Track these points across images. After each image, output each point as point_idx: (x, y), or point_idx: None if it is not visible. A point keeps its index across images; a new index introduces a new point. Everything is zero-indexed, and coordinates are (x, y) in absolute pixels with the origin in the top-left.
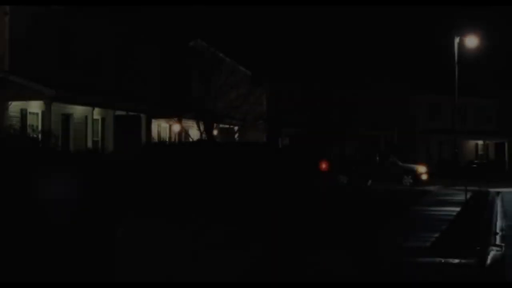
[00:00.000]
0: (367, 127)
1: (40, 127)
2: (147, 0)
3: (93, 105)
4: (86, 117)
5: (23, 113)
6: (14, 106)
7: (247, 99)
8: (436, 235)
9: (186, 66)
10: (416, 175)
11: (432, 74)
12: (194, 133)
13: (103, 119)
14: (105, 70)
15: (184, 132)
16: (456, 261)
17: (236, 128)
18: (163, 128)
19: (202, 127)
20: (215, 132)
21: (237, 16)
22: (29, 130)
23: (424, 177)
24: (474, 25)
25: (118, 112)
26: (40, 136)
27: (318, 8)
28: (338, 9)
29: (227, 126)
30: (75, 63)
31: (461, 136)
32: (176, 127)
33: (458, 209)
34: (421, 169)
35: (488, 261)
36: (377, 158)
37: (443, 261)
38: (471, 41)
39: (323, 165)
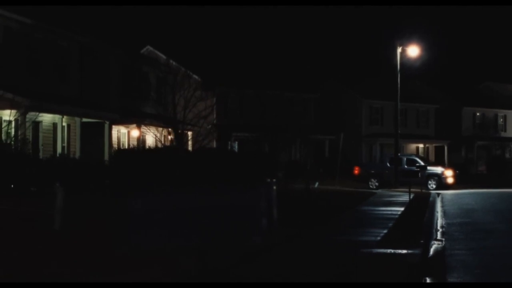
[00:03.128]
0: (314, 132)
1: (13, 134)
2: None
3: (62, 113)
4: (54, 124)
5: None
6: None
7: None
8: (385, 231)
9: (143, 73)
10: (441, 179)
11: (375, 80)
12: (150, 139)
13: (68, 126)
14: (70, 79)
15: (142, 138)
16: (404, 251)
17: (190, 133)
18: (122, 134)
19: (172, 135)
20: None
21: (182, 21)
22: (4, 137)
23: (450, 180)
24: (414, 34)
25: (84, 120)
26: (14, 143)
27: (264, 13)
28: (284, 13)
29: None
30: (43, 73)
31: (402, 139)
32: (135, 133)
33: (402, 209)
34: (447, 172)
35: (431, 252)
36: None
37: (393, 252)
38: (412, 51)
39: (356, 170)
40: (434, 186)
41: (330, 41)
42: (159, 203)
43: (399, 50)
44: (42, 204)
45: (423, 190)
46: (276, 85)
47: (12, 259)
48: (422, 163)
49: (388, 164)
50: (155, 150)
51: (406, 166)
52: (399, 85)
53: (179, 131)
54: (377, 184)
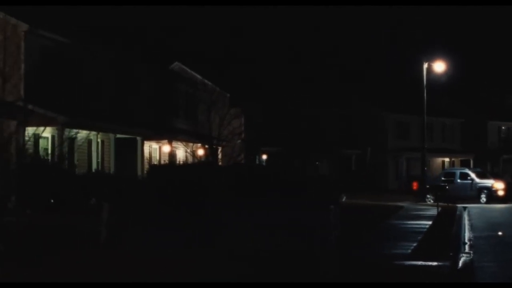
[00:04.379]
0: (340, 146)
1: (50, 151)
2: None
3: (97, 129)
4: (88, 140)
5: (36, 138)
6: (27, 131)
7: (228, 121)
8: (415, 244)
9: (173, 89)
10: (492, 192)
11: (401, 95)
12: (181, 154)
13: (102, 142)
14: (103, 96)
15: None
16: (434, 264)
17: (219, 148)
18: (154, 149)
19: (208, 151)
20: (200, 153)
21: (210, 38)
22: (42, 153)
23: (501, 193)
24: (440, 50)
25: (118, 136)
26: (51, 159)
27: (290, 30)
28: (311, 31)
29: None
30: (78, 90)
31: (428, 153)
32: (166, 148)
33: (430, 222)
34: (498, 185)
35: (460, 265)
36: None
37: (423, 264)
38: (439, 66)
39: (414, 186)
40: (485, 200)
41: (353, 54)
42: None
43: (425, 66)
44: (83, 218)
45: (449, 204)
46: (303, 100)
47: (65, 273)
48: (474, 177)
49: (443, 179)
50: (190, 165)
51: (459, 180)
52: (425, 101)
53: (214, 147)
54: (433, 199)
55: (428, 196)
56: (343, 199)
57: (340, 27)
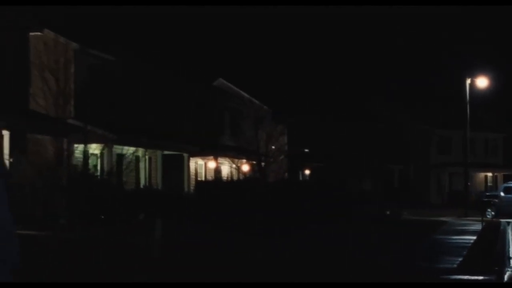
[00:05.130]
0: (383, 161)
1: (99, 167)
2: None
3: (144, 146)
4: (136, 157)
5: (85, 154)
6: (76, 148)
7: (271, 136)
8: (460, 259)
9: (217, 106)
10: None
11: (444, 110)
12: (225, 170)
13: (150, 158)
14: (150, 113)
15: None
16: (480, 278)
17: (265, 164)
18: (199, 165)
19: (255, 167)
20: (245, 168)
21: (251, 54)
22: (91, 170)
23: None
24: (482, 65)
25: (165, 152)
26: (100, 175)
27: (332, 46)
28: (353, 46)
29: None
30: (125, 107)
31: (471, 168)
32: (212, 164)
33: (474, 237)
34: None
35: (505, 279)
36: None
37: (469, 278)
38: (481, 82)
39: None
40: None
41: (394, 68)
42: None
43: (468, 81)
44: (133, 233)
45: (494, 219)
46: (346, 115)
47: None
48: None
49: (502, 194)
50: (237, 181)
51: None
52: (468, 116)
53: (262, 164)
54: (493, 213)
55: (488, 210)
56: (387, 214)
57: (384, 41)
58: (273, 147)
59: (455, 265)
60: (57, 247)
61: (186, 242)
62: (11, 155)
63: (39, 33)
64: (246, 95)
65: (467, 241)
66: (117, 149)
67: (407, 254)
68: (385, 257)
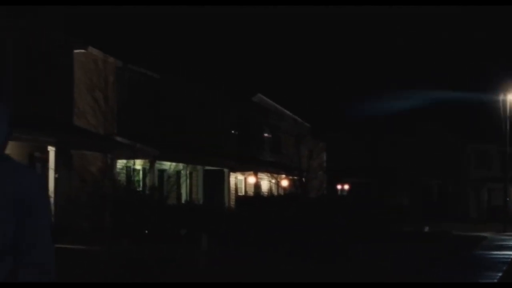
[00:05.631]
0: (421, 176)
1: (142, 182)
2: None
3: (186, 161)
4: (177, 172)
5: (128, 170)
6: (120, 163)
7: (312, 152)
8: (500, 274)
9: (256, 121)
10: None
11: (482, 124)
12: (265, 185)
13: (191, 173)
14: (190, 128)
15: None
16: None
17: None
18: (239, 180)
19: (297, 183)
20: (284, 184)
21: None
22: (134, 185)
23: None
24: None
25: (206, 167)
26: (142, 190)
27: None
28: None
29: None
30: (167, 123)
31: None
32: (251, 179)
33: None
34: None
35: None
36: None
37: None
38: None
39: None
40: None
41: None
42: None
43: (508, 96)
44: (176, 247)
45: None
46: (383, 130)
47: None
48: None
49: None
50: (277, 197)
51: None
52: (508, 130)
53: (303, 179)
54: None
55: None
56: (426, 229)
57: (411, 51)
58: (314, 163)
59: (495, 280)
60: (106, 261)
61: (228, 257)
62: (56, 170)
63: (83, 51)
64: (285, 110)
65: (507, 256)
66: (160, 164)
67: (447, 269)
68: (425, 273)
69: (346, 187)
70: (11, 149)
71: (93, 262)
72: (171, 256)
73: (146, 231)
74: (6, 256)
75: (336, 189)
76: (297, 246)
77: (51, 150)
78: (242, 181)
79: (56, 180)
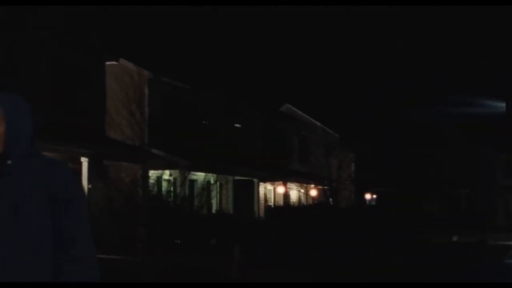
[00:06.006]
0: (449, 185)
1: (173, 192)
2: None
3: (216, 172)
4: (207, 182)
5: (159, 180)
6: (152, 174)
7: (346, 164)
8: None
9: (285, 131)
10: None
11: (509, 133)
12: (293, 195)
13: (221, 184)
14: (220, 139)
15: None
16: None
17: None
18: (268, 190)
19: (327, 192)
20: (313, 193)
21: (314, 80)
22: (165, 195)
23: None
24: None
25: (236, 178)
26: (173, 200)
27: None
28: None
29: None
30: (196, 134)
31: None
32: (280, 189)
33: None
34: None
35: None
36: None
37: None
38: None
39: None
40: None
41: (457, 91)
42: None
43: None
44: (207, 257)
45: None
46: (411, 139)
47: None
48: None
49: None
50: (307, 207)
51: None
52: None
53: (332, 189)
54: None
55: None
56: (455, 239)
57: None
58: (343, 173)
59: None
60: (141, 271)
61: (260, 266)
62: (89, 181)
63: (115, 63)
64: (313, 120)
65: None
66: (191, 175)
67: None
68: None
69: (374, 196)
70: None
71: (128, 272)
72: (204, 266)
73: (178, 241)
74: (47, 251)
75: (364, 199)
76: (328, 256)
77: (84, 161)
78: (271, 191)
79: (89, 190)
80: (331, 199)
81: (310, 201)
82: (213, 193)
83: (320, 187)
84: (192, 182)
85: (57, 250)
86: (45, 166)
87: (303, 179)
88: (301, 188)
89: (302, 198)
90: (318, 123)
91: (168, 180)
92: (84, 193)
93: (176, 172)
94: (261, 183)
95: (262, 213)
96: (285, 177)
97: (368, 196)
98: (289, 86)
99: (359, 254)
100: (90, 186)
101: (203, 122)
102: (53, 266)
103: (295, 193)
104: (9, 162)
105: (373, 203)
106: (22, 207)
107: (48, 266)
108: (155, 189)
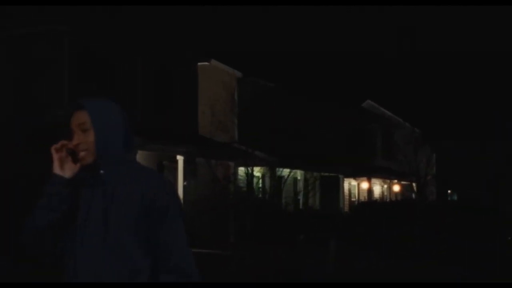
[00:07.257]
0: None
1: (261, 189)
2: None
3: (303, 169)
4: (294, 179)
5: (249, 177)
6: (240, 171)
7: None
8: None
9: (366, 127)
10: None
11: None
12: (377, 191)
13: (307, 180)
14: (304, 136)
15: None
16: None
17: (414, 184)
18: (352, 186)
19: (413, 188)
20: (396, 189)
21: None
22: (256, 192)
23: None
24: None
25: (322, 174)
26: (262, 196)
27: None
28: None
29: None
30: (282, 131)
31: None
32: (364, 185)
33: None
34: None
35: None
36: None
37: None
38: None
39: None
40: None
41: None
42: None
43: None
44: (298, 251)
45: None
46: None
47: None
48: None
49: None
50: (394, 202)
51: None
52: None
53: (422, 185)
54: None
55: None
56: None
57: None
58: (430, 170)
59: None
60: (237, 264)
61: (355, 259)
62: (185, 178)
63: (206, 63)
64: (394, 116)
65: None
66: (278, 171)
67: None
68: None
69: (456, 193)
70: (141, 158)
71: (226, 265)
72: (296, 260)
73: (267, 236)
74: (143, 261)
75: (446, 195)
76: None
77: (180, 159)
78: (355, 187)
79: (184, 187)
80: (413, 195)
81: (393, 197)
82: (300, 189)
83: (403, 182)
84: (280, 178)
85: (154, 261)
86: (140, 175)
87: (386, 175)
88: (385, 184)
89: (385, 193)
90: (400, 119)
91: (257, 177)
92: (180, 201)
93: (264, 169)
94: (345, 179)
95: (347, 208)
96: (369, 173)
97: (450, 192)
98: (370, 83)
99: (446, 246)
100: (185, 183)
101: (288, 119)
102: (144, 277)
103: (378, 188)
104: (101, 171)
105: (455, 199)
106: (114, 216)
107: (137, 277)
108: (244, 185)
